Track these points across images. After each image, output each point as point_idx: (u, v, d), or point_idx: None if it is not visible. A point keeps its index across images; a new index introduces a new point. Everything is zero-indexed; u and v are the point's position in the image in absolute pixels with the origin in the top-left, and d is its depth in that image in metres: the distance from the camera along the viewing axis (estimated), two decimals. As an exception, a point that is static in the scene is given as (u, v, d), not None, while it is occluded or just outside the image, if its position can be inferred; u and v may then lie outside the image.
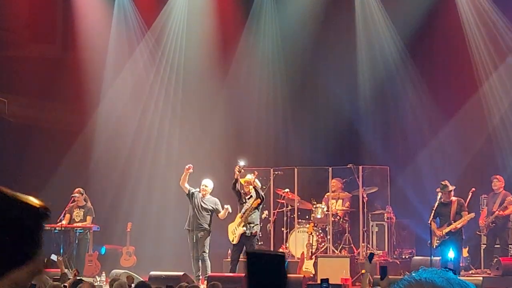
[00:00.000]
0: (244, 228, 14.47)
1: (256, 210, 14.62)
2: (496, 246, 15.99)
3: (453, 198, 14.55)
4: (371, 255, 9.31)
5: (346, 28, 18.89)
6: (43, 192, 17.93)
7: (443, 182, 14.72)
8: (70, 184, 17.54)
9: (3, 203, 1.67)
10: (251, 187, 14.64)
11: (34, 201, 1.68)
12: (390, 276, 13.05)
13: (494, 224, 15.78)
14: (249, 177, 14.87)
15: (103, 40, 19.22)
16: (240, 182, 14.73)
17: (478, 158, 17.68)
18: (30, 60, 19.06)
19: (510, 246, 16.01)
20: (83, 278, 12.49)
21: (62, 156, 18.46)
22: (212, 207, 15.19)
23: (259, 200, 14.55)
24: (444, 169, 17.34)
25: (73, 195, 16.38)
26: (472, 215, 14.54)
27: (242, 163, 14.56)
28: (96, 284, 12.96)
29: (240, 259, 14.66)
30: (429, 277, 1.84)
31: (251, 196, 14.68)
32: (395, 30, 18.38)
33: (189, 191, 15.21)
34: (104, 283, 14.45)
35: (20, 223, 1.68)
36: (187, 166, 15.05)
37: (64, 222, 16.24)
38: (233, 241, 14.66)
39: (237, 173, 14.53)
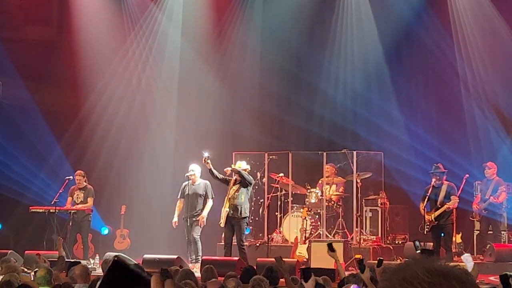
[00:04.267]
0: (227, 210, 14.53)
1: (243, 193, 14.61)
2: (489, 232, 16.04)
3: (445, 182, 14.59)
4: (330, 245, 9.45)
5: (341, 12, 18.89)
6: (38, 174, 17.98)
7: (435, 164, 14.80)
8: (64, 167, 17.55)
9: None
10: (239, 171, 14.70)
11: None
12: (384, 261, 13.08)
13: (486, 211, 15.83)
14: (240, 163, 14.93)
15: (99, 22, 19.15)
16: (233, 168, 14.86)
17: (473, 144, 17.71)
18: (25, 42, 19.01)
19: (502, 232, 16.06)
20: (77, 261, 12.53)
21: (56, 138, 18.44)
22: (203, 191, 15.24)
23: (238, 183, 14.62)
24: (439, 154, 17.35)
25: (67, 177, 16.32)
26: (456, 199, 14.55)
27: (205, 154, 14.66)
28: (89, 266, 12.96)
29: (233, 243, 14.72)
30: (412, 273, 1.85)
31: (240, 182, 14.72)
32: (389, 16, 18.35)
33: (182, 195, 15.32)
34: (98, 265, 14.49)
35: None
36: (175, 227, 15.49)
37: (66, 205, 16.26)
38: (221, 224, 14.73)
39: (207, 164, 14.61)
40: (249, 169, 15.12)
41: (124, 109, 19.12)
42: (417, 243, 12.94)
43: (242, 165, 14.93)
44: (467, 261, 10.79)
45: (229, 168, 14.91)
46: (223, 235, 15.56)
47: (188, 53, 19.35)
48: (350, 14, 18.93)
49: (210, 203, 15.22)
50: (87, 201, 16.29)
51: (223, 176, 14.88)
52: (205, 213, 15.15)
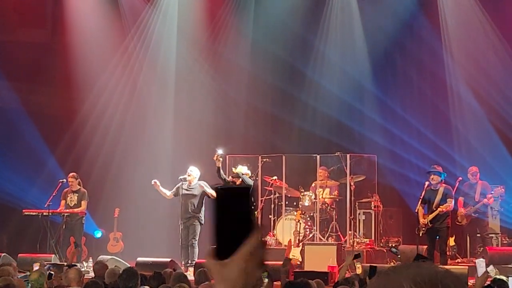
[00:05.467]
0: None
1: None
2: (477, 235, 16.08)
3: (442, 185, 14.60)
4: (358, 255, 9.35)
5: (338, 14, 18.92)
6: (32, 176, 17.95)
7: (433, 165, 14.85)
8: (58, 169, 17.53)
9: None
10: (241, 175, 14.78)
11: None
12: (377, 264, 13.12)
13: (476, 214, 15.84)
14: (241, 168, 14.96)
15: (94, 24, 19.12)
16: (234, 172, 14.93)
17: (464, 147, 17.74)
18: (19, 44, 18.97)
19: (490, 235, 16.09)
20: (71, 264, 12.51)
21: (51, 141, 18.40)
22: (199, 192, 15.21)
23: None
24: (433, 158, 17.37)
25: (60, 180, 16.30)
26: (451, 203, 14.55)
27: (220, 151, 14.72)
28: (82, 269, 12.95)
29: None
30: (398, 286, 1.80)
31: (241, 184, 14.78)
32: (386, 19, 18.37)
33: (175, 193, 15.27)
34: (91, 268, 14.46)
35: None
36: (152, 183, 15.19)
37: (60, 208, 16.21)
38: None
39: (218, 161, 14.66)
40: (250, 174, 15.17)
41: (119, 112, 19.09)
42: (393, 249, 12.99)
43: (243, 170, 14.97)
44: (479, 266, 10.83)
45: (242, 169, 14.99)
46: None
47: (183, 58, 19.33)
48: (346, 9, 18.94)
49: (212, 191, 15.13)
50: (81, 204, 16.26)
51: (226, 178, 14.91)
52: (209, 190, 15.03)
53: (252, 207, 1.84)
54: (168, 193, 15.41)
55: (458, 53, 18.05)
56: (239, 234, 1.79)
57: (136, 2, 19.56)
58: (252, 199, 1.88)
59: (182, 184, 15.24)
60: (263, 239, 1.81)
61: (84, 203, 16.26)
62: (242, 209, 1.82)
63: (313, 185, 17.19)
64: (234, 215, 1.81)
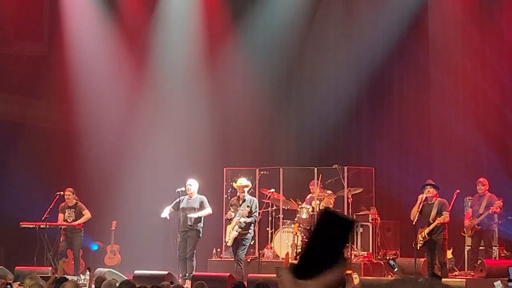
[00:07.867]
0: (236, 232, 14.68)
1: (248, 218, 14.83)
2: (480, 248, 16.03)
3: (437, 199, 14.61)
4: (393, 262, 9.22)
5: (334, 27, 18.97)
6: (28, 189, 17.90)
7: (428, 180, 14.87)
8: (55, 182, 17.48)
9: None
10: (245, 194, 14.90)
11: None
12: (374, 277, 13.10)
13: (479, 226, 15.81)
14: (242, 181, 14.99)
15: (91, 37, 19.11)
16: (235, 186, 15.16)
17: (462, 160, 17.75)
18: (16, 57, 18.96)
19: (494, 248, 16.05)
20: (67, 276, 12.47)
21: (47, 154, 18.37)
22: (198, 205, 15.20)
23: (248, 211, 14.78)
24: (429, 171, 17.38)
25: (57, 193, 16.26)
26: (447, 215, 14.55)
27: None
28: (80, 282, 12.90)
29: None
30: None
31: (244, 201, 14.86)
32: (383, 29, 18.39)
33: (176, 208, 15.25)
34: (88, 281, 14.40)
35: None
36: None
37: (58, 222, 16.17)
38: (227, 243, 14.93)
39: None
40: (250, 185, 15.23)
41: (116, 124, 19.07)
42: (391, 262, 12.94)
43: (243, 182, 15.01)
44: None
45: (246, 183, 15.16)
46: (213, 251, 15.55)
47: (181, 70, 19.33)
48: (341, 33, 19.00)
49: (208, 210, 15.16)
50: (83, 214, 16.17)
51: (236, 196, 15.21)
52: (200, 214, 15.09)
53: (349, 241, 1.82)
54: (168, 211, 15.35)
55: (447, 73, 18.14)
56: (327, 261, 1.75)
57: (136, 15, 19.56)
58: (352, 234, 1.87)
59: (180, 197, 15.20)
60: (345, 275, 1.79)
61: (86, 212, 16.16)
62: (340, 238, 1.78)
63: (308, 197, 17.12)
64: (330, 241, 1.77)
